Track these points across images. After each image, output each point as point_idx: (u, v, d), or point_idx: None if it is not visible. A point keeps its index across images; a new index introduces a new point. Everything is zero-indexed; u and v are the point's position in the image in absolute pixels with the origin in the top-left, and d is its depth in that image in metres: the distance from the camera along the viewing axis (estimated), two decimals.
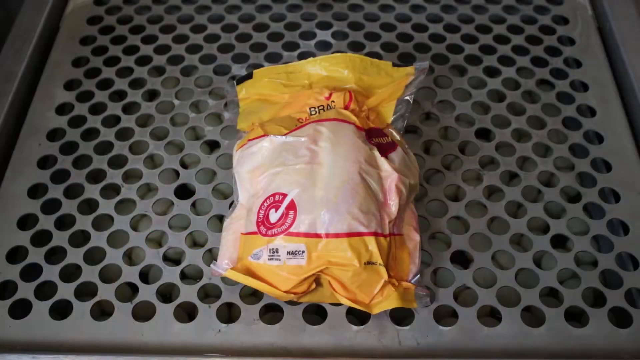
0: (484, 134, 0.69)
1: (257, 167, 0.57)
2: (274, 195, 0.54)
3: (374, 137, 0.58)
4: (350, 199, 0.52)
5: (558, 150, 0.67)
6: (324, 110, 0.59)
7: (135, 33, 0.80)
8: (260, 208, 0.54)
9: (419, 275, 0.56)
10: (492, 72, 0.75)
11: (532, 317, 0.57)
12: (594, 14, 0.81)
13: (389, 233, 0.54)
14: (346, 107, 0.59)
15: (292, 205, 0.53)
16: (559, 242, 0.61)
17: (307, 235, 0.52)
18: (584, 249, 0.60)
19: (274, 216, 0.53)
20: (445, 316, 0.57)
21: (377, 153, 0.56)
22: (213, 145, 0.69)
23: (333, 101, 0.60)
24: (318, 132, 0.56)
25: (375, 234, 0.52)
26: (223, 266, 0.56)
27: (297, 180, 0.54)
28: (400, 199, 0.55)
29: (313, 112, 0.60)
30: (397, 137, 0.61)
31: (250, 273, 0.54)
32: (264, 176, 0.56)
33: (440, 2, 0.82)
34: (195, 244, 0.63)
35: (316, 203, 0.52)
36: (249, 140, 0.59)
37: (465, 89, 0.73)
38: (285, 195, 0.53)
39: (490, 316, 0.58)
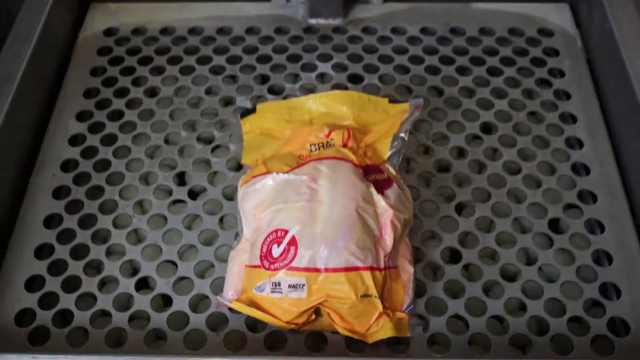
0: (477, 166, 0.73)
1: (261, 204, 0.60)
2: (276, 231, 0.58)
3: (371, 173, 0.61)
4: (348, 236, 0.56)
5: (547, 182, 0.70)
6: (323, 147, 0.63)
7: (144, 64, 0.83)
8: (263, 243, 0.58)
9: (412, 306, 0.59)
10: (485, 104, 0.78)
11: (520, 345, 0.60)
12: (583, 46, 0.84)
13: (385, 267, 0.57)
14: (345, 145, 0.63)
15: (293, 241, 0.56)
16: (548, 272, 0.65)
17: (307, 269, 0.56)
18: (570, 279, 0.63)
19: (276, 251, 0.57)
20: (438, 344, 0.61)
21: (373, 190, 0.59)
22: (220, 177, 0.72)
23: (332, 139, 0.63)
24: (318, 170, 0.60)
25: (371, 269, 0.56)
26: (228, 297, 0.59)
27: (297, 218, 0.57)
28: (395, 234, 0.59)
29: (313, 149, 0.63)
30: (393, 172, 0.64)
31: (254, 304, 0.57)
32: (267, 213, 0.59)
33: (436, 34, 0.86)
34: (202, 274, 0.66)
35: (316, 239, 0.56)
36: (253, 177, 0.62)
37: (459, 121, 0.76)
38: (286, 232, 0.57)
39: (482, 346, 0.61)
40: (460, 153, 0.74)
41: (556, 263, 0.64)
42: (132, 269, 0.66)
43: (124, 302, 0.63)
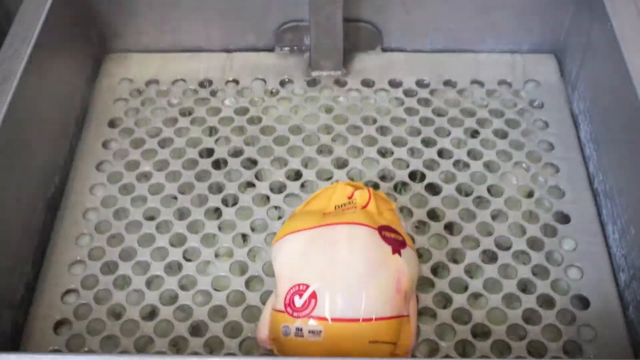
0: (467, 215, 0.79)
1: (287, 260, 0.67)
2: (299, 285, 0.64)
3: (387, 232, 0.67)
4: (362, 292, 0.63)
5: (531, 230, 0.77)
6: (346, 207, 0.69)
7: (157, 116, 0.90)
8: (287, 293, 0.65)
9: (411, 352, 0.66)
10: (475, 155, 0.85)
11: None
12: (567, 97, 0.91)
13: (396, 315, 0.64)
14: (365, 206, 0.69)
15: (313, 295, 0.63)
16: (528, 317, 0.71)
17: (325, 319, 0.62)
18: (550, 322, 0.70)
19: (298, 302, 0.64)
20: None
21: (389, 251, 0.65)
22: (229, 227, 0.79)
23: (355, 199, 0.70)
24: (338, 232, 0.66)
25: (381, 319, 0.63)
26: (261, 337, 0.67)
27: (318, 274, 0.64)
28: (407, 291, 0.65)
29: (337, 208, 0.70)
30: (407, 235, 0.70)
31: (280, 345, 0.65)
32: (292, 267, 0.66)
33: (430, 86, 0.93)
34: (216, 316, 0.72)
35: (334, 294, 0.63)
36: (285, 234, 0.69)
37: (452, 171, 0.83)
38: (308, 286, 0.64)
39: None
40: (452, 201, 0.80)
41: (537, 307, 0.71)
42: (151, 312, 0.72)
43: (141, 347, 0.69)
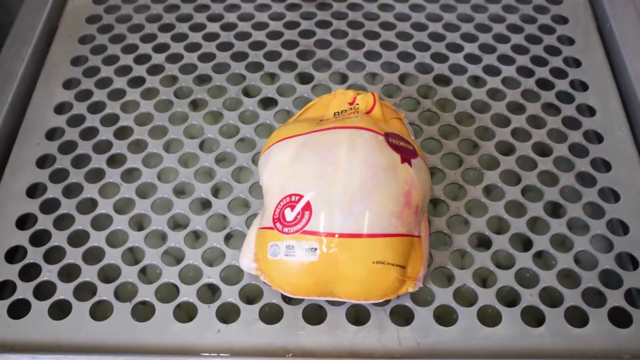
0: (483, 133, 0.69)
1: (277, 169, 0.56)
2: (290, 195, 0.54)
3: (395, 139, 0.57)
4: (366, 202, 0.52)
5: (558, 149, 0.67)
6: (347, 112, 0.59)
7: (134, 32, 0.80)
8: (276, 206, 0.54)
9: (422, 279, 0.56)
10: (492, 71, 0.74)
11: (532, 317, 0.57)
12: (593, 13, 0.81)
13: (404, 234, 0.54)
14: (369, 111, 0.59)
15: (307, 206, 0.53)
16: (559, 241, 0.61)
17: (320, 234, 0.52)
18: (584, 249, 0.60)
19: (289, 215, 0.53)
20: (445, 316, 0.57)
21: (397, 158, 0.55)
22: (211, 145, 0.69)
23: (357, 104, 0.60)
24: (337, 136, 0.56)
25: (388, 235, 0.52)
26: (246, 263, 0.57)
27: (313, 183, 0.54)
28: (418, 205, 0.55)
29: (337, 115, 0.59)
30: (419, 148, 0.60)
31: (267, 270, 0.54)
32: (282, 177, 0.56)
33: (440, 1, 0.82)
34: (194, 242, 0.62)
35: (331, 204, 0.52)
36: (273, 143, 0.58)
37: (465, 87, 0.73)
38: (301, 197, 0.53)
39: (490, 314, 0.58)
40: (467, 119, 0.70)
41: (569, 232, 0.61)
42: (120, 238, 0.62)
43: (110, 274, 0.59)
